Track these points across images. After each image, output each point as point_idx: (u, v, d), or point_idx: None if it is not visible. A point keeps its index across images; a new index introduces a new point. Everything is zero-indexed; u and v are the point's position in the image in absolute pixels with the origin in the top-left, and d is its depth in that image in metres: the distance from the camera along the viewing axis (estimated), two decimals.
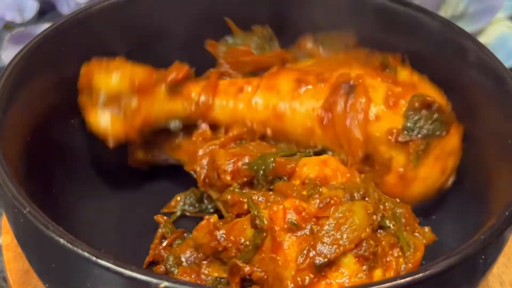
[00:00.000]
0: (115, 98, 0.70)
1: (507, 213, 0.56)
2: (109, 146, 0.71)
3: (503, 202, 0.58)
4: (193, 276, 0.64)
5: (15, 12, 0.96)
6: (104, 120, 0.70)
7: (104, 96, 0.69)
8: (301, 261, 0.56)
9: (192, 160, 0.71)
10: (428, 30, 0.75)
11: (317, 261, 0.56)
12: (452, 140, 0.69)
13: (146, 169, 0.78)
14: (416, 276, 0.50)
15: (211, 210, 0.73)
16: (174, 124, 0.72)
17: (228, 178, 0.66)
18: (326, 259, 0.55)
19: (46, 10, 1.01)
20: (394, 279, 0.50)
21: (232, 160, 0.67)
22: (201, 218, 0.69)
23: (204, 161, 0.70)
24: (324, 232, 0.56)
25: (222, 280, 0.62)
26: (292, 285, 0.56)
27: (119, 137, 0.70)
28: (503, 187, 0.61)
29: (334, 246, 0.56)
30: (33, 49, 0.68)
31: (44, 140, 0.68)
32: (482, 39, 1.02)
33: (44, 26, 0.93)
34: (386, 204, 0.60)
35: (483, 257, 0.54)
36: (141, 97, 0.70)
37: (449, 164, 0.69)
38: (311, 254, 0.56)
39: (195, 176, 0.71)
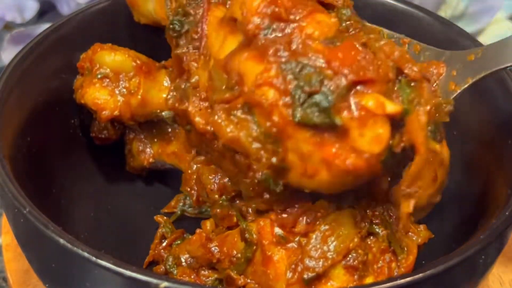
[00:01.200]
0: (116, 75, 0.70)
1: (507, 213, 0.55)
2: (101, 120, 0.71)
3: (503, 202, 0.59)
4: (192, 277, 0.64)
5: (15, 12, 0.96)
6: (101, 93, 0.70)
7: (106, 71, 0.70)
8: (290, 275, 0.56)
9: (185, 182, 0.71)
10: (428, 30, 0.75)
11: (305, 276, 0.55)
12: (445, 151, 0.69)
13: (143, 175, 0.78)
14: (416, 276, 0.50)
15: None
16: (168, 113, 0.72)
17: (216, 196, 0.66)
18: (314, 273, 0.55)
19: (46, 10, 1.01)
20: (394, 279, 0.50)
21: (217, 176, 0.66)
22: (201, 219, 0.69)
23: (193, 181, 0.70)
24: (311, 245, 0.56)
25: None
26: None
27: (113, 112, 0.70)
28: (502, 187, 0.61)
29: (322, 260, 0.55)
30: (33, 49, 0.68)
31: (44, 139, 0.68)
32: (482, 39, 1.02)
33: (44, 26, 0.93)
34: (376, 209, 0.59)
35: (483, 257, 0.54)
36: (142, 78, 0.70)
37: (440, 174, 0.69)
38: (299, 269, 0.55)
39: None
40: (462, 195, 0.70)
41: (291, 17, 0.52)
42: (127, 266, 0.49)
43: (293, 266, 0.56)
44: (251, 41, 0.53)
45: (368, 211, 0.59)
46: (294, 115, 0.50)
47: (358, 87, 0.50)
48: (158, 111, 0.72)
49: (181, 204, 0.75)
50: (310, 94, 0.50)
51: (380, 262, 0.57)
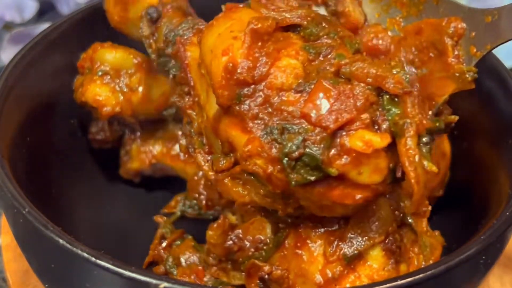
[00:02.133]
0: (117, 72, 0.70)
1: (507, 213, 0.55)
2: (102, 118, 0.71)
3: (503, 202, 0.58)
4: (192, 277, 0.63)
5: (15, 12, 0.96)
6: (102, 90, 0.70)
7: (106, 68, 0.70)
8: (331, 252, 0.56)
9: (191, 188, 0.71)
10: None
11: (348, 252, 0.55)
12: (446, 143, 0.69)
13: (137, 181, 0.78)
14: (417, 276, 0.50)
15: (211, 217, 0.72)
16: (169, 112, 0.72)
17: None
18: (356, 251, 0.55)
19: (45, 10, 1.01)
20: (395, 279, 0.50)
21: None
22: (201, 220, 0.69)
23: (201, 187, 0.70)
24: (352, 224, 0.56)
25: (226, 283, 0.62)
26: (321, 278, 0.56)
27: (115, 108, 0.70)
28: (503, 187, 0.61)
29: (365, 238, 0.56)
30: (33, 49, 0.68)
31: (44, 140, 0.68)
32: None
33: (44, 26, 0.93)
34: (406, 202, 0.60)
35: (483, 257, 0.54)
36: (143, 74, 0.70)
37: (442, 166, 0.69)
38: (341, 246, 0.56)
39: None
40: (462, 195, 0.70)
41: (256, 76, 0.52)
42: (127, 266, 0.49)
43: (334, 244, 0.56)
44: (228, 109, 0.53)
45: (401, 202, 0.59)
46: (289, 181, 0.51)
47: (341, 131, 0.50)
48: (160, 108, 0.72)
49: (180, 204, 0.75)
50: (298, 159, 0.50)
51: (411, 252, 0.58)
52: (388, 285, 0.49)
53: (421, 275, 0.49)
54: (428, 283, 0.50)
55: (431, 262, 0.58)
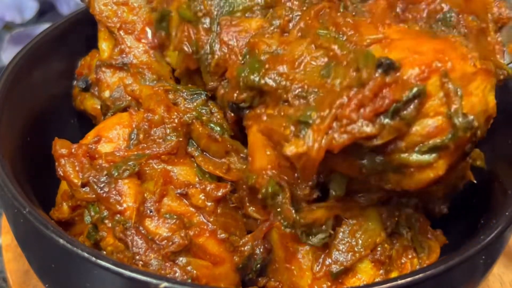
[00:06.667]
0: None
1: (507, 213, 0.55)
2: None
3: (503, 202, 0.58)
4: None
5: (15, 13, 0.96)
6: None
7: None
8: (317, 269, 0.56)
9: None
10: None
11: (334, 269, 0.55)
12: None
13: None
14: (416, 276, 0.50)
15: None
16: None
17: None
18: (342, 267, 0.55)
19: (45, 10, 1.01)
20: (395, 279, 0.50)
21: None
22: None
23: None
24: (339, 239, 0.56)
25: None
26: None
27: None
28: (503, 188, 0.61)
29: (350, 253, 0.55)
30: (33, 49, 0.68)
31: (44, 140, 0.68)
32: None
33: (44, 26, 0.93)
34: (405, 210, 0.59)
35: (483, 257, 0.54)
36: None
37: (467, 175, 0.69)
38: (327, 262, 0.55)
39: None
40: (462, 196, 0.70)
41: None
42: (127, 266, 0.49)
43: (320, 260, 0.56)
44: None
45: (396, 211, 0.59)
46: None
47: None
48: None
49: None
50: None
51: (403, 258, 0.57)
52: (388, 284, 0.49)
53: (421, 275, 0.50)
54: (428, 283, 0.50)
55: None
